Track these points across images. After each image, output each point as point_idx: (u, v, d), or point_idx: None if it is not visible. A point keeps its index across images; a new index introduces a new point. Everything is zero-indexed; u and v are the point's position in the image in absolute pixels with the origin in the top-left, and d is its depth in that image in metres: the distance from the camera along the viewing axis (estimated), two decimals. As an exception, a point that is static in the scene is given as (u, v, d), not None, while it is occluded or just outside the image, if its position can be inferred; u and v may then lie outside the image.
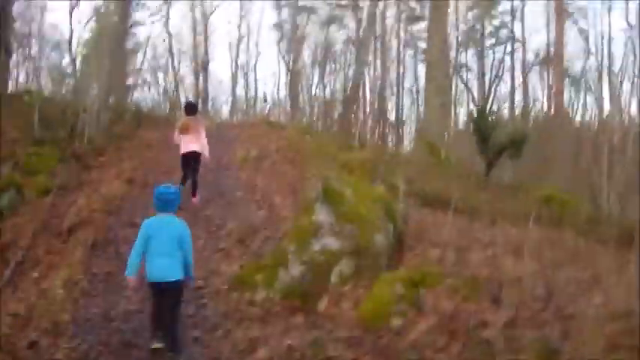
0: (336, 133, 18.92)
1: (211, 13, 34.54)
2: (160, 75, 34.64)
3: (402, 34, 32.07)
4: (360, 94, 28.38)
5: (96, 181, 9.90)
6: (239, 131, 15.67)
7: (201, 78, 34.50)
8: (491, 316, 5.16)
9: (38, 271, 6.76)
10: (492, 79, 30.45)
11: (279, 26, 33.38)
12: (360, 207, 6.50)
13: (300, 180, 9.61)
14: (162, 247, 4.60)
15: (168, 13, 32.24)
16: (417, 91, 32.91)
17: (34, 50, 28.16)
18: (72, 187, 9.41)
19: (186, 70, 35.35)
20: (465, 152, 20.68)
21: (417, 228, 7.51)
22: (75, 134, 11.41)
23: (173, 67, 35.33)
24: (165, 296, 4.68)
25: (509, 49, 30.79)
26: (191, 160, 8.84)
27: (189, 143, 8.80)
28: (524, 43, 30.11)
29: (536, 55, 30.31)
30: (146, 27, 33.88)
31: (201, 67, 34.52)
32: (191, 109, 9.48)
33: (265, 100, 26.23)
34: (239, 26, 36.15)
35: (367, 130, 23.10)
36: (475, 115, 15.61)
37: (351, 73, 27.82)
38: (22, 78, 26.67)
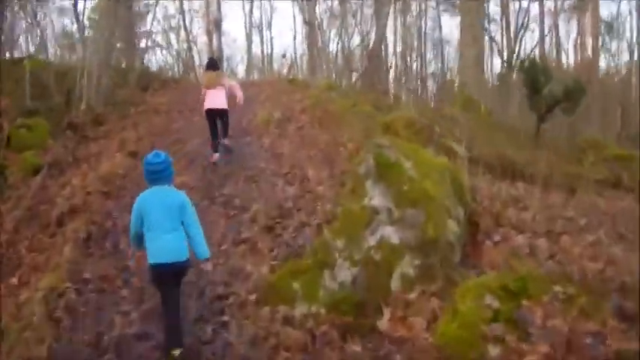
0: (363, 89, 17.11)
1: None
2: (172, 36, 32.75)
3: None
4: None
5: (94, 156, 8.47)
6: (257, 90, 14.04)
7: (214, 37, 32.58)
8: (624, 340, 3.66)
9: (18, 276, 5.42)
10: (518, 29, 27.97)
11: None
12: (424, 183, 4.91)
13: (335, 146, 8.03)
14: (161, 221, 3.98)
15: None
16: (441, 44, 30.85)
17: (40, 16, 26.64)
18: (65, 165, 8.01)
19: (198, 30, 33.62)
20: (496, 107, 18.95)
21: (489, 206, 5.90)
22: (72, 102, 9.93)
23: (185, 27, 33.40)
24: (175, 283, 4.00)
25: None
26: (216, 115, 8.23)
27: (214, 98, 8.22)
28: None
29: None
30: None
31: (214, 26, 32.56)
32: (212, 64, 8.94)
33: (284, 57, 24.33)
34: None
35: (392, 86, 21.19)
36: (527, 65, 13.68)
37: (369, 27, 25.71)
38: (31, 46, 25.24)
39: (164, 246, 3.94)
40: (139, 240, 4.10)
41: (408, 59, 26.90)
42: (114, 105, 10.26)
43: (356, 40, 29.04)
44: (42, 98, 10.32)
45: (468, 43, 16.83)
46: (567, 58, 27.30)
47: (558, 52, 27.85)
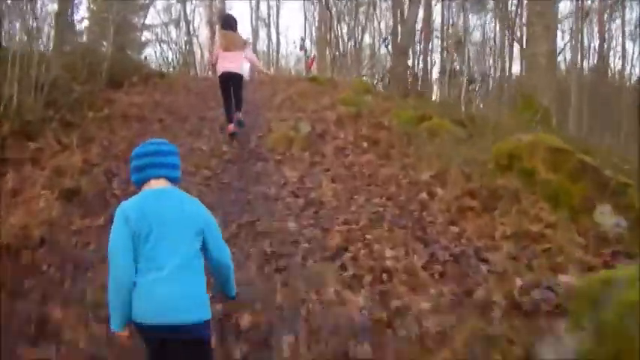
0: (398, 91, 13.56)
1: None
2: (172, 30, 29.35)
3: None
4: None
5: (5, 196, 5.01)
6: (269, 91, 10.60)
7: (217, 30, 29.12)
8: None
9: None
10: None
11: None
12: None
13: (412, 190, 4.61)
14: (174, 247, 2.16)
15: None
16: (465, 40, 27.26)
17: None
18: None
19: (200, 22, 30.33)
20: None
21: None
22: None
23: (185, 17, 29.86)
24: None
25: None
26: (230, 82, 7.12)
27: (229, 62, 7.08)
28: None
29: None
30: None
31: (218, 18, 29.09)
32: (230, 23, 7.49)
33: (303, 49, 20.65)
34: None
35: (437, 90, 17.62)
36: None
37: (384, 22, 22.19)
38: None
39: (166, 296, 2.09)
40: (129, 296, 2.11)
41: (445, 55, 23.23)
42: (59, 108, 6.78)
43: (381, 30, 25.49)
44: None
45: (539, 35, 13.06)
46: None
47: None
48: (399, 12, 22.67)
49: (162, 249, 2.14)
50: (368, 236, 3.92)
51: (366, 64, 23.80)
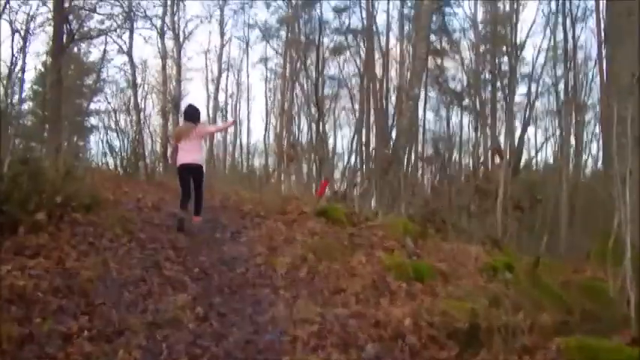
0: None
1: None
2: (122, 117, 25.29)
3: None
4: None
5: None
6: (244, 234, 6.78)
7: (171, 119, 25.30)
8: None
9: None
10: None
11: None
12: None
13: None
14: None
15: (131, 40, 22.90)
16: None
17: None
18: None
19: (153, 110, 26.64)
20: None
21: None
22: None
23: (136, 103, 25.87)
24: None
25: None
26: (189, 173, 7.05)
27: (187, 152, 7.05)
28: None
29: None
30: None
31: (172, 105, 25.39)
32: (191, 114, 7.33)
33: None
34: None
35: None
36: None
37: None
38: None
39: None
40: None
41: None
42: None
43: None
44: None
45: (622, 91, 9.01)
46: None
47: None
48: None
49: None
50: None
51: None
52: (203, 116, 27.13)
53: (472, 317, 3.86)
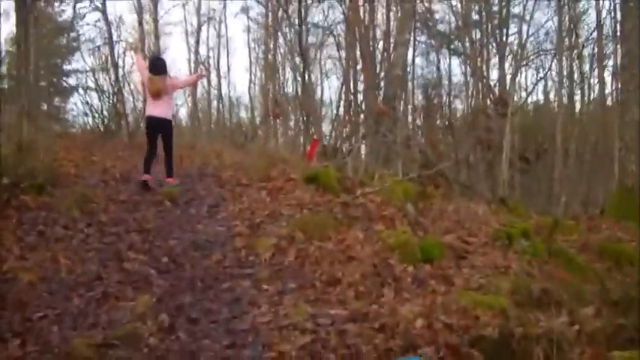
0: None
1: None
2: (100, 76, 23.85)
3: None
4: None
5: None
6: (223, 209, 5.94)
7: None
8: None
9: None
10: None
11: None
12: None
13: None
14: None
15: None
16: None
17: None
18: None
19: (132, 67, 25.15)
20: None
21: None
22: None
23: (113, 61, 24.50)
24: None
25: None
26: (157, 128, 6.96)
27: (157, 106, 6.91)
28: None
29: None
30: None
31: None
32: (157, 66, 7.06)
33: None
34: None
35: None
36: None
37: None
38: None
39: None
40: None
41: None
42: None
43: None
44: None
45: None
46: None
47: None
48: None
49: None
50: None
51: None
52: (185, 71, 25.86)
53: (502, 320, 3.07)
